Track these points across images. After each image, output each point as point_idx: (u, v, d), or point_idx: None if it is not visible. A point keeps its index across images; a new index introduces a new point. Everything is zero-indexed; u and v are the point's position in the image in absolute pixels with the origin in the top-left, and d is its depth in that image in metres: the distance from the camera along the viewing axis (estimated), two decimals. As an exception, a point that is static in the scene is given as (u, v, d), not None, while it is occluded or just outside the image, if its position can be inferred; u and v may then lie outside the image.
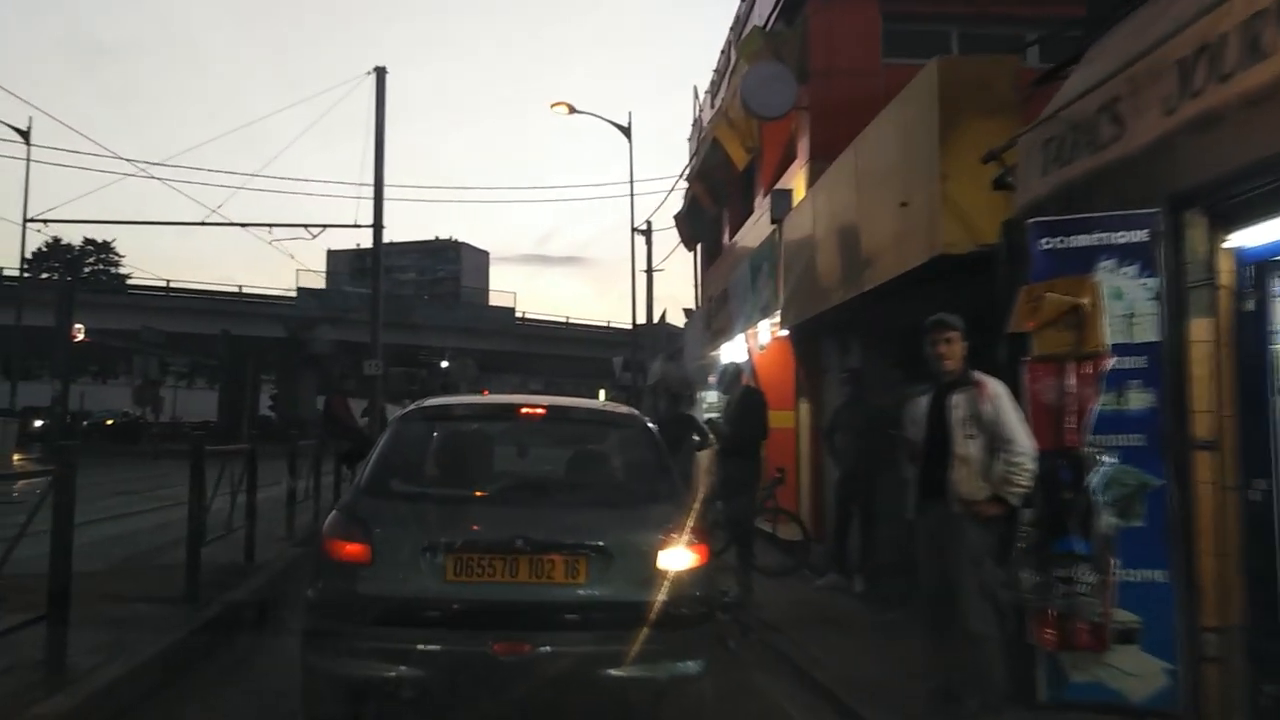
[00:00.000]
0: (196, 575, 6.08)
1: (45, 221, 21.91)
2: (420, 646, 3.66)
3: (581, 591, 3.74)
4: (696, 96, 18.66)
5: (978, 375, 4.11)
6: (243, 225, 20.82)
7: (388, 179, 20.52)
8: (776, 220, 9.98)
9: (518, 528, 3.75)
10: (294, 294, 47.16)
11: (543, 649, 3.63)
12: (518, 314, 55.89)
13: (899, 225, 5.84)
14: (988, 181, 5.02)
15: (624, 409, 5.42)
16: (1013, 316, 4.29)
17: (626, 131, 25.14)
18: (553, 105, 24.39)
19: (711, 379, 18.95)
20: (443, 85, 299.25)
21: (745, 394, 8.20)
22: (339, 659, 3.70)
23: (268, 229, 20.71)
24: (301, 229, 20.95)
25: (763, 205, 12.60)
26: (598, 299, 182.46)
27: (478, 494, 4.27)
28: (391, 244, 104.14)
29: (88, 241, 69.12)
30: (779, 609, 7.29)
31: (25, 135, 25.31)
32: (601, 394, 72.06)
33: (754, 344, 12.44)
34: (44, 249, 64.39)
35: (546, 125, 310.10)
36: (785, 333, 11.02)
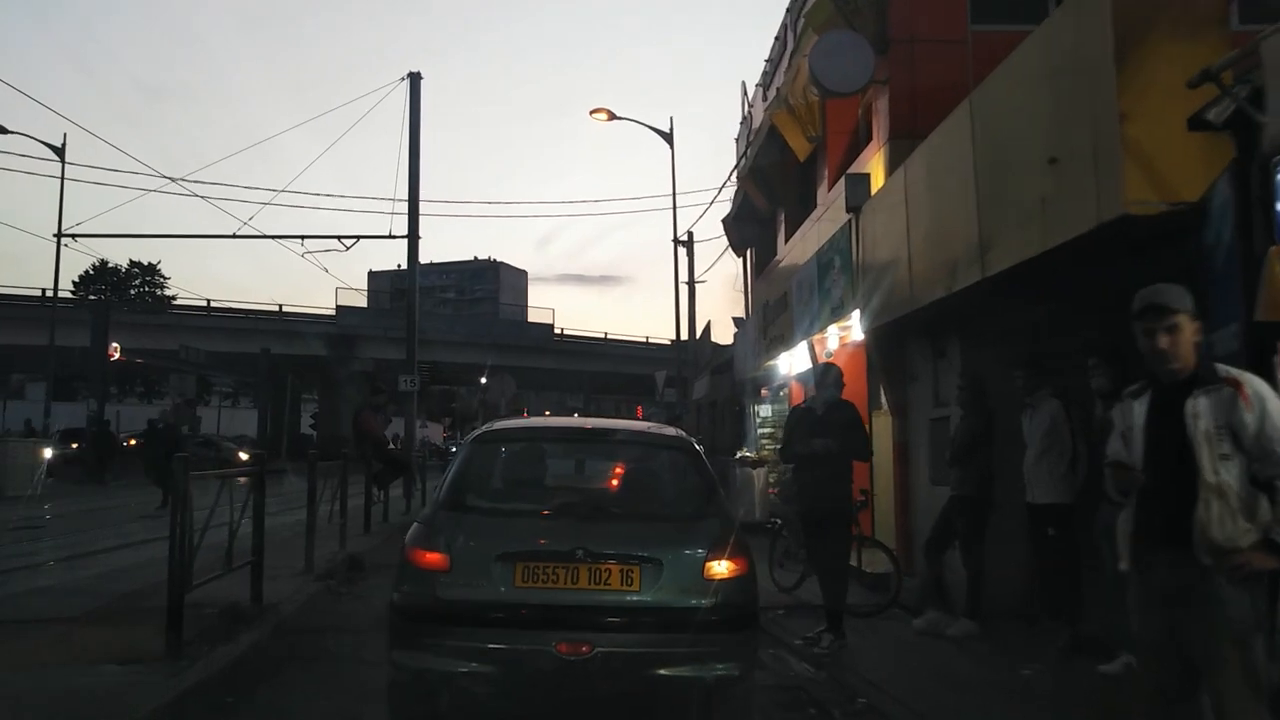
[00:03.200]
0: (179, 627, 5.04)
1: (75, 236, 21.35)
2: (492, 645, 4.07)
3: (635, 598, 4.10)
4: (745, 93, 17.57)
5: (1228, 370, 2.89)
6: (275, 237, 20.18)
7: (422, 193, 19.74)
8: (852, 209, 8.80)
9: (578, 540, 4.14)
10: (334, 312, 46.77)
11: (600, 649, 4.00)
12: (555, 330, 55.04)
13: (1044, 189, 4.65)
14: (1179, 122, 3.82)
15: (671, 431, 5.72)
16: (1262, 296, 3.08)
17: (668, 137, 24.10)
18: (592, 111, 23.43)
19: (764, 392, 17.77)
20: (474, 94, 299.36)
21: (842, 406, 6.95)
22: (422, 655, 4.12)
23: (300, 241, 19.99)
24: (334, 240, 20.19)
25: (828, 198, 11.43)
26: (637, 317, 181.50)
27: (542, 510, 4.70)
28: (430, 264, 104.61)
29: (133, 264, 69.86)
30: (880, 662, 6.07)
31: (60, 152, 24.97)
32: (639, 412, 71.03)
33: (820, 350, 11.24)
34: (90, 271, 65.14)
35: (583, 134, 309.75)
36: (858, 337, 9.81)
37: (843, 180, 10.64)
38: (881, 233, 8.21)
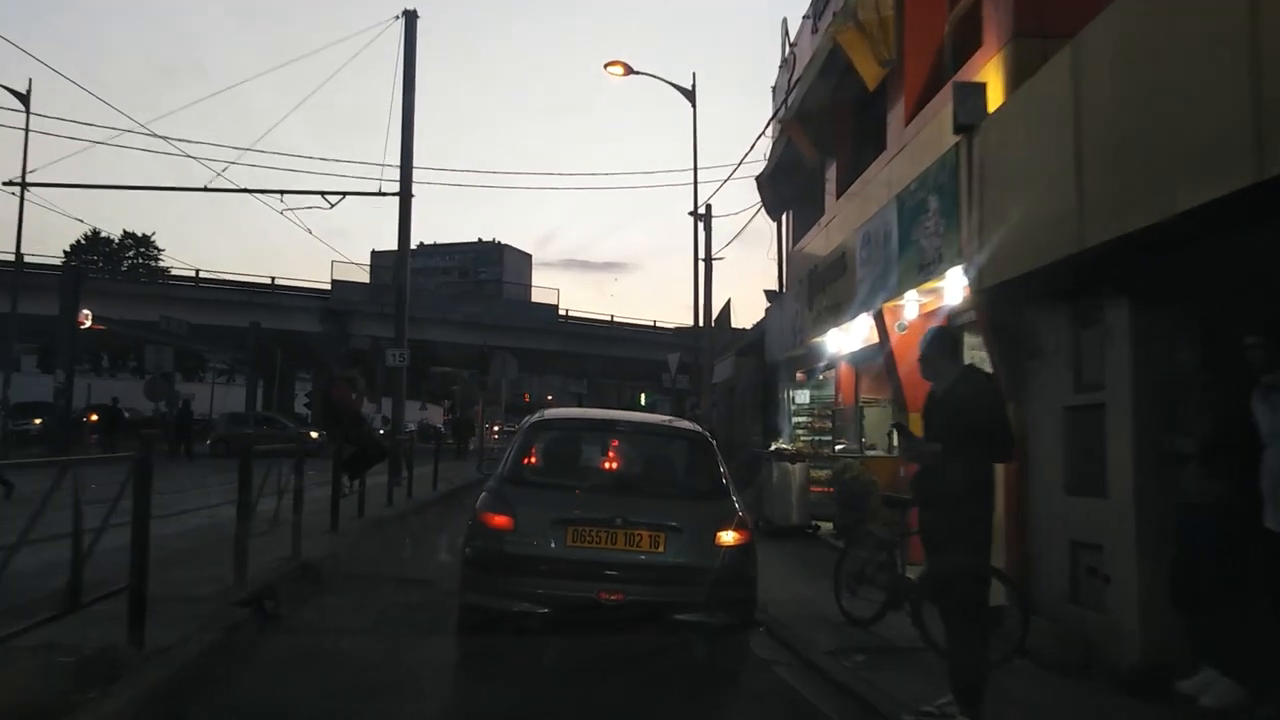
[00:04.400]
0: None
1: (28, 185, 19.22)
2: (546, 591, 5.24)
3: (660, 557, 5.34)
4: (785, 31, 15.38)
5: None
6: (249, 191, 18.06)
7: (418, 160, 17.63)
8: (963, 128, 6.67)
9: (617, 510, 5.39)
10: (329, 287, 44.61)
11: (631, 596, 5.25)
12: (560, 312, 52.88)
13: None
14: None
15: (688, 424, 7.16)
16: None
17: (690, 95, 21.93)
18: (607, 65, 21.30)
19: (800, 375, 15.67)
20: (475, 46, 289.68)
21: (969, 375, 4.94)
22: (489, 597, 5.37)
23: (279, 197, 17.87)
24: (317, 196, 18.06)
25: (904, 134, 9.29)
26: (644, 305, 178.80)
27: (588, 485, 5.99)
28: (434, 245, 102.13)
29: (127, 235, 67.88)
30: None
31: (25, 99, 22.83)
32: (642, 398, 69.14)
33: (892, 322, 9.13)
34: (83, 241, 63.16)
35: (594, 100, 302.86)
36: (951, 302, 7.71)
37: (925, 112, 8.52)
38: (1016, 154, 6.09)
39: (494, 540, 5.36)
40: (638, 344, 53.33)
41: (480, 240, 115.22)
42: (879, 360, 11.45)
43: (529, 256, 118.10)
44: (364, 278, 45.62)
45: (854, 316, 10.03)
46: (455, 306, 48.76)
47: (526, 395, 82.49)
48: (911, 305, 8.63)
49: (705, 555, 5.33)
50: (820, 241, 12.92)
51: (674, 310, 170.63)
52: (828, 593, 7.41)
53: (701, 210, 25.73)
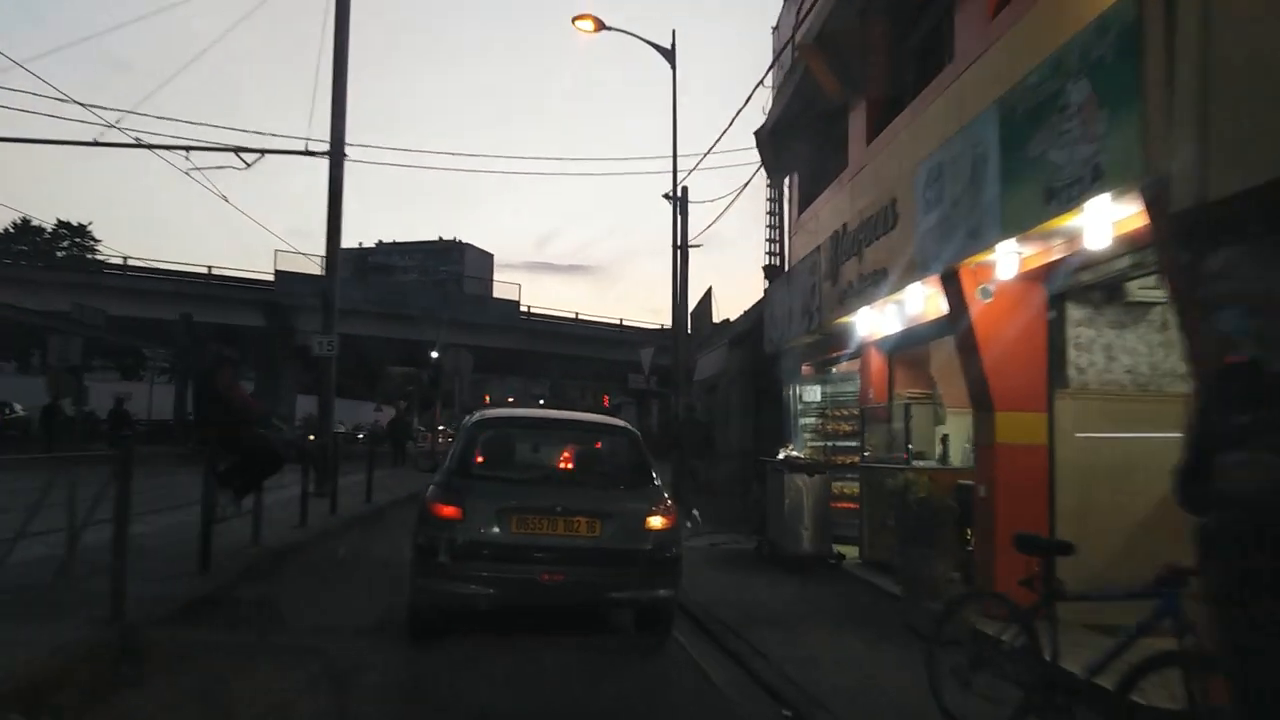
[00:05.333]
0: None
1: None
2: (492, 574, 5.64)
3: (596, 541, 5.76)
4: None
5: None
6: (149, 147, 15.08)
7: (360, 133, 14.85)
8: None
9: (556, 499, 5.87)
10: (273, 278, 41.31)
11: (570, 577, 5.71)
12: (522, 309, 50.02)
13: None
14: None
15: (619, 421, 8.13)
16: None
17: (669, 55, 19.37)
18: (576, 19, 18.69)
19: (807, 368, 13.20)
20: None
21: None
22: (439, 580, 5.69)
23: (184, 154, 14.97)
24: (232, 154, 15.19)
25: (989, 31, 6.81)
26: (613, 305, 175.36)
27: (528, 477, 6.63)
28: (394, 244, 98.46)
29: (61, 224, 63.78)
30: None
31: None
32: (605, 402, 66.33)
33: (971, 288, 6.64)
34: (10, 229, 59.04)
35: (562, 66, 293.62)
36: (1099, 244, 5.25)
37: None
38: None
39: (443, 529, 5.70)
40: (604, 343, 50.66)
41: (440, 239, 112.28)
42: (928, 345, 8.99)
43: (490, 255, 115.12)
44: (313, 269, 42.27)
45: (910, 283, 7.53)
46: (408, 300, 45.71)
47: (487, 396, 79.53)
48: (1008, 260, 6.15)
49: (636, 538, 5.82)
50: (843, 200, 10.44)
51: (646, 314, 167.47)
52: (904, 667, 4.93)
53: (683, 193, 23.37)
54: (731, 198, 30.11)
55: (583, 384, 74.88)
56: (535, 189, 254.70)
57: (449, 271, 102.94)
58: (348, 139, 15.28)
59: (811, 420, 12.07)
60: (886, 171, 8.63)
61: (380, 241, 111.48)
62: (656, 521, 5.90)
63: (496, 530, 5.67)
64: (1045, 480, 6.52)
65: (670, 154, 18.89)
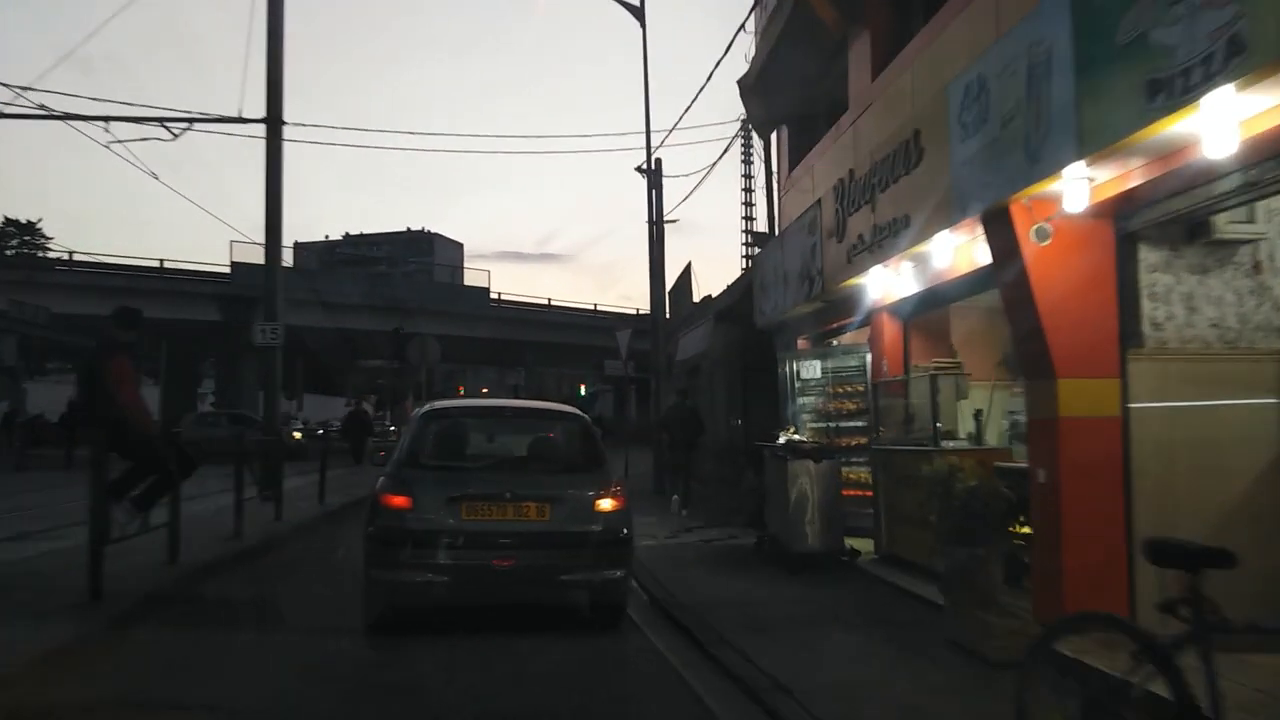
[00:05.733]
0: None
1: None
2: (444, 561, 5.71)
3: (546, 525, 5.84)
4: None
5: None
6: (59, 117, 13.48)
7: (306, 117, 13.35)
8: None
9: (505, 486, 5.92)
10: (229, 270, 39.48)
11: (521, 562, 5.81)
12: (493, 295, 48.52)
13: None
14: None
15: (568, 408, 7.50)
16: None
17: (638, 12, 18.00)
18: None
19: (803, 342, 11.96)
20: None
21: None
22: (392, 570, 5.75)
23: (103, 125, 13.39)
24: (156, 124, 13.66)
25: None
26: (582, 294, 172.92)
27: (478, 465, 6.77)
28: (360, 235, 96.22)
29: (8, 221, 61.17)
30: None
31: None
32: (581, 389, 64.75)
33: (1024, 228, 5.40)
34: (-51, 230, 56.35)
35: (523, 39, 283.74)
36: (1221, 151, 4.02)
37: None
38: None
39: (395, 519, 5.77)
40: (579, 329, 49.31)
41: (409, 230, 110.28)
42: (948, 309, 7.78)
43: (460, 245, 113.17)
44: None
45: (938, 231, 6.29)
46: (376, 290, 44.05)
47: (461, 388, 77.68)
48: (1076, 189, 4.91)
49: (586, 521, 5.94)
50: (845, 146, 9.21)
51: (621, 300, 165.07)
52: (954, 693, 4.02)
53: (656, 165, 22.11)
54: (715, 160, 28.76)
55: (559, 372, 73.36)
56: (502, 175, 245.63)
57: (419, 262, 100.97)
58: (298, 119, 13.83)
59: (810, 399, 10.85)
60: (903, 103, 7.39)
61: (348, 233, 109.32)
62: (606, 504, 6.02)
63: (447, 518, 5.75)
64: (1119, 460, 5.33)
65: (643, 127, 17.56)
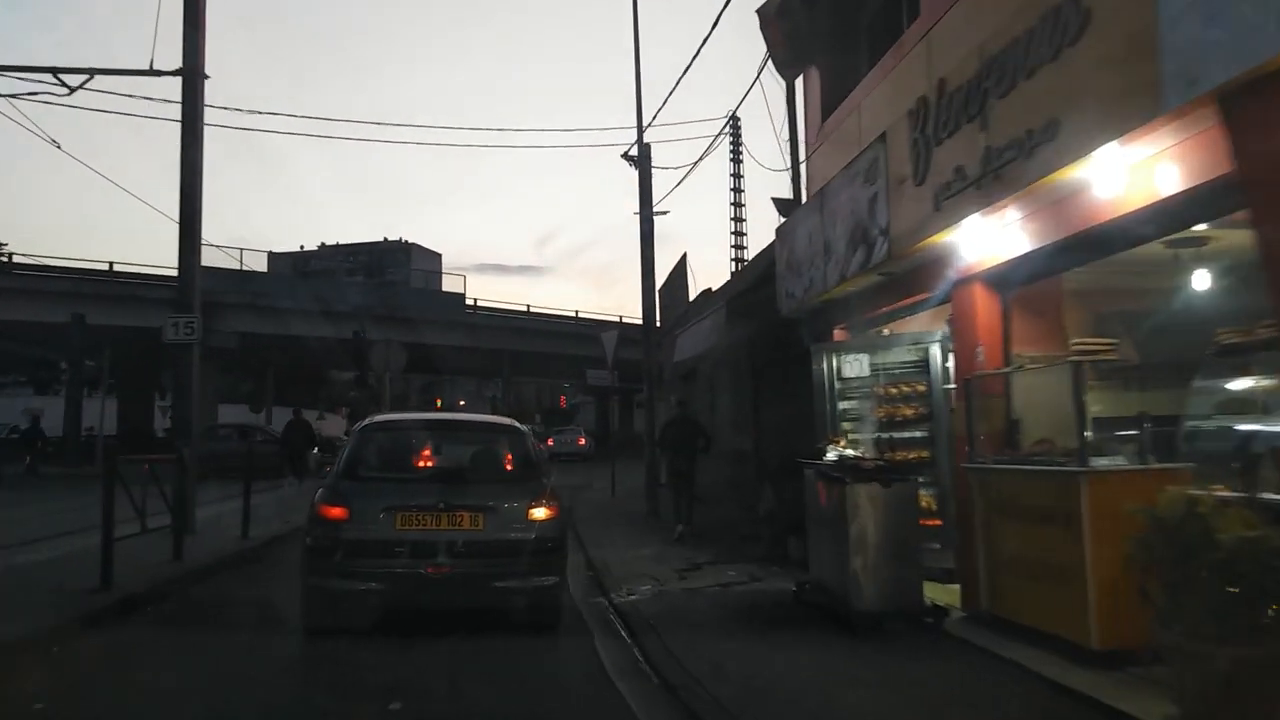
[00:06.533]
0: None
1: None
2: (380, 569, 5.89)
3: (479, 534, 5.99)
4: None
5: None
6: (-78, 62, 11.02)
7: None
8: None
9: (440, 496, 6.06)
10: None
11: (456, 570, 5.93)
12: (469, 302, 46.02)
13: None
14: None
15: (505, 420, 7.76)
16: None
17: (629, -31, 15.78)
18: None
19: (840, 332, 9.69)
20: None
21: None
22: (329, 578, 5.89)
23: (-18, 76, 10.94)
24: (49, 76, 11.25)
25: None
26: (565, 304, 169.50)
27: (414, 476, 6.83)
28: (337, 246, 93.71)
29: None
30: None
31: None
32: (563, 401, 62.05)
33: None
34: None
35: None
36: None
37: None
38: None
39: (331, 529, 5.94)
40: (559, 337, 46.89)
41: (386, 240, 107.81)
42: (1059, 277, 5.57)
43: (439, 256, 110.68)
44: (231, 263, 37.66)
45: (1105, 141, 4.05)
46: (344, 296, 41.47)
47: (439, 400, 74.92)
48: None
49: (519, 530, 6.07)
50: (912, 68, 6.97)
51: (607, 311, 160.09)
52: None
53: (645, 150, 19.91)
54: (709, 144, 26.39)
55: (537, 382, 70.73)
56: (483, 185, 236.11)
57: (397, 274, 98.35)
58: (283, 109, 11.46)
59: (853, 404, 8.59)
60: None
61: (323, 243, 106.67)
62: (539, 513, 6.17)
63: (382, 528, 5.92)
64: None
65: (633, 109, 15.27)
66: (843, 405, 8.70)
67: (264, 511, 11.61)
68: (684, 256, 17.77)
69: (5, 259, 35.97)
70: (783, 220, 9.29)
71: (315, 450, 19.09)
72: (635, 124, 15.67)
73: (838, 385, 8.72)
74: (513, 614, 6.27)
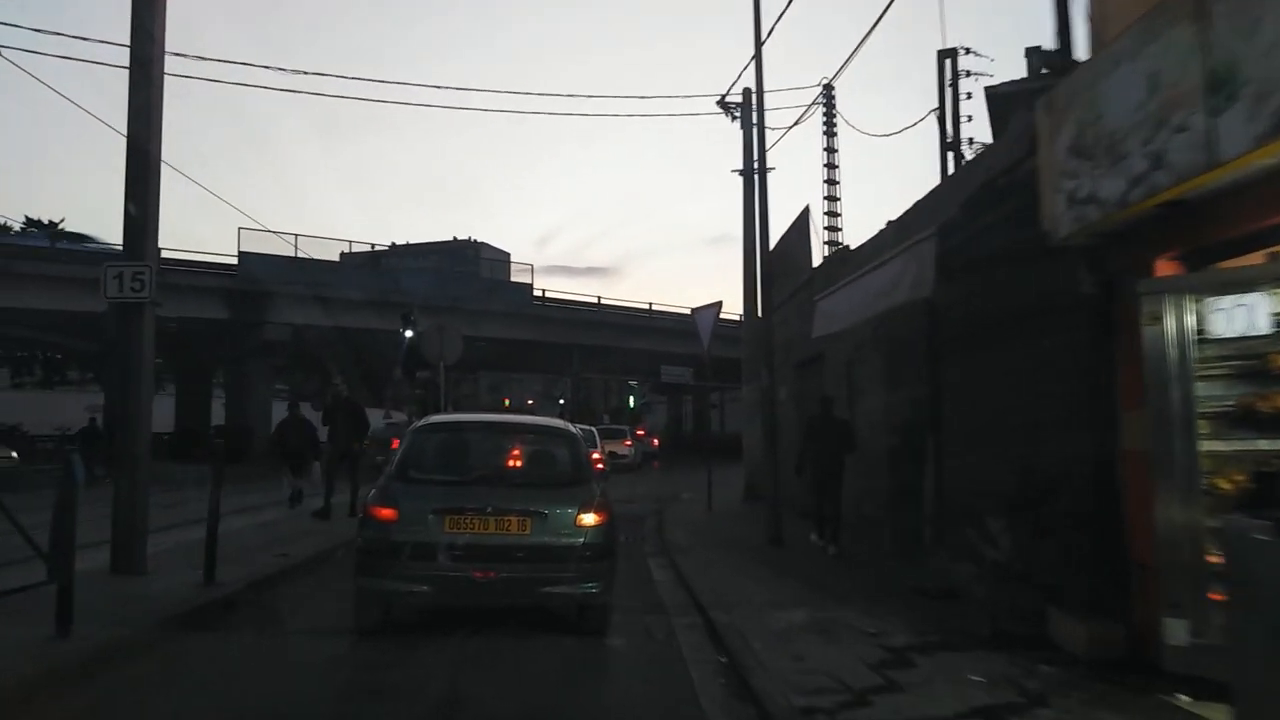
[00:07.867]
0: None
1: None
2: (428, 572, 5.93)
3: (527, 539, 6.05)
4: None
5: None
6: None
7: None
8: None
9: (489, 500, 6.10)
10: (235, 260, 34.32)
11: (503, 574, 5.96)
12: (537, 293, 42.82)
13: None
14: None
15: (558, 423, 7.88)
16: None
17: None
18: None
19: (1163, 264, 5.74)
20: None
21: None
22: (379, 580, 6.04)
23: None
24: None
25: None
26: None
27: (464, 479, 6.57)
28: (408, 246, 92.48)
29: (29, 221, 57.52)
30: None
31: None
32: (631, 401, 58.15)
33: None
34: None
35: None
36: None
37: None
38: None
39: (381, 530, 6.02)
40: (632, 332, 43.39)
41: (455, 239, 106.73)
42: None
43: (507, 254, 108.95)
44: (286, 249, 34.98)
45: None
46: (405, 289, 38.46)
47: (506, 399, 72.02)
48: None
49: (568, 536, 6.08)
50: None
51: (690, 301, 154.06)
52: None
53: (747, 97, 16.41)
54: (812, 99, 22.33)
55: (606, 379, 67.08)
56: (546, 176, 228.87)
57: (467, 271, 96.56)
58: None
59: (1217, 387, 4.73)
60: None
61: (394, 243, 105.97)
62: (588, 519, 6.19)
63: (430, 530, 5.95)
64: None
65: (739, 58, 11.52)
66: (1202, 390, 4.82)
67: (248, 539, 8.23)
68: (805, 210, 14.02)
69: (49, 242, 33.93)
70: (1048, 90, 5.33)
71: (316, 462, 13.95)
72: (755, 56, 11.94)
73: (1192, 354, 4.84)
74: (561, 621, 6.31)
